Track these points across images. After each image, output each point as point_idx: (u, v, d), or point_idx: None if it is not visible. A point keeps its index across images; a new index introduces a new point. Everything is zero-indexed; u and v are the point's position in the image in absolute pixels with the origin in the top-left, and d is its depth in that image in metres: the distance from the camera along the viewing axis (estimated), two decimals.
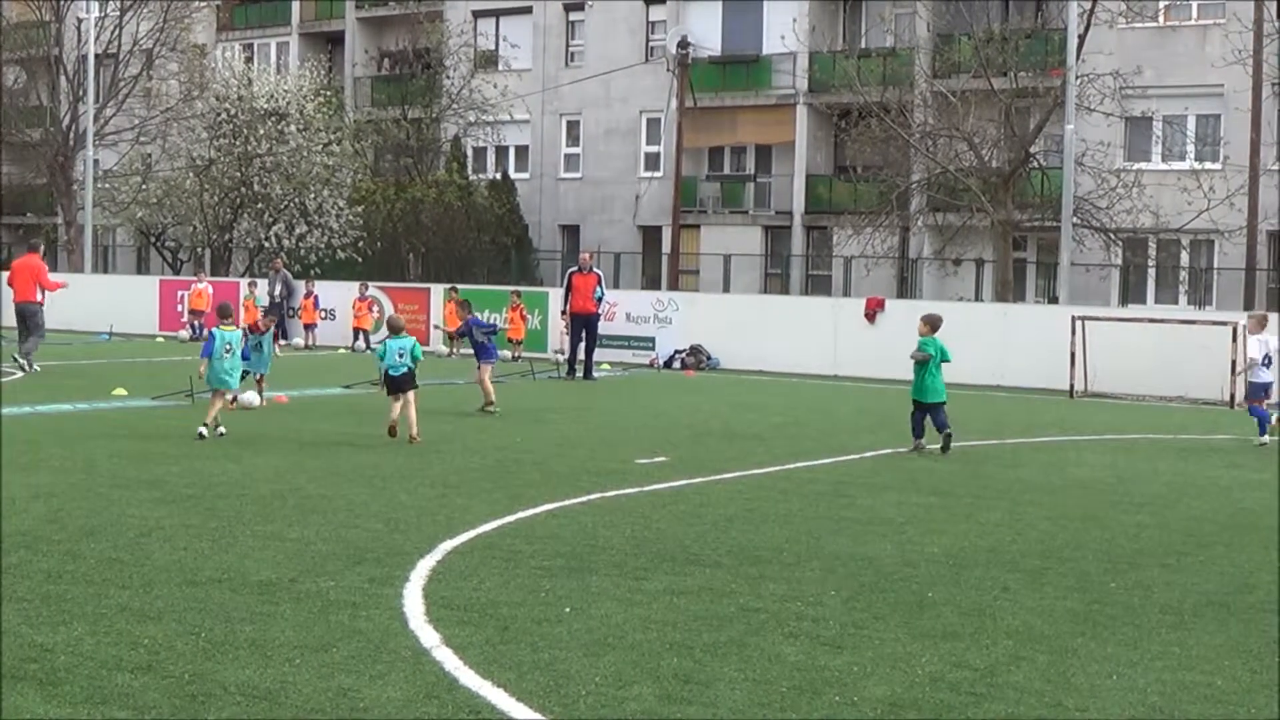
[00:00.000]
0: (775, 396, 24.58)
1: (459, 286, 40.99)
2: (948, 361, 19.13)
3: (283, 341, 41.77)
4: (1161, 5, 43.77)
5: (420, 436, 18.05)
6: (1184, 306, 42.01)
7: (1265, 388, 21.26)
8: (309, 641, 8.07)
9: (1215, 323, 30.21)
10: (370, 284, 42.17)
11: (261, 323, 24.37)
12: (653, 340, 37.13)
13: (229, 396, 18.96)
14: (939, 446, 18.42)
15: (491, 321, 26.94)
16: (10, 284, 29.25)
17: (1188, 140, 43.09)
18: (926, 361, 18.85)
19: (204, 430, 17.75)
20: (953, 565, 10.80)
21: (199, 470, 14.68)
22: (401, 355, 18.92)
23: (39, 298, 28.89)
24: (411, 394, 18.60)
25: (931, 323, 19.36)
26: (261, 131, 51.41)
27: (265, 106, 52.01)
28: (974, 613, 9.23)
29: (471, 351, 23.92)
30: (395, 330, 19.82)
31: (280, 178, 51.59)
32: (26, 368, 27.52)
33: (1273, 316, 24.68)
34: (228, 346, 18.67)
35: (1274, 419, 20.87)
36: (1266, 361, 21.24)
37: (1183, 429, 23.26)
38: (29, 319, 28.56)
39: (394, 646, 8.02)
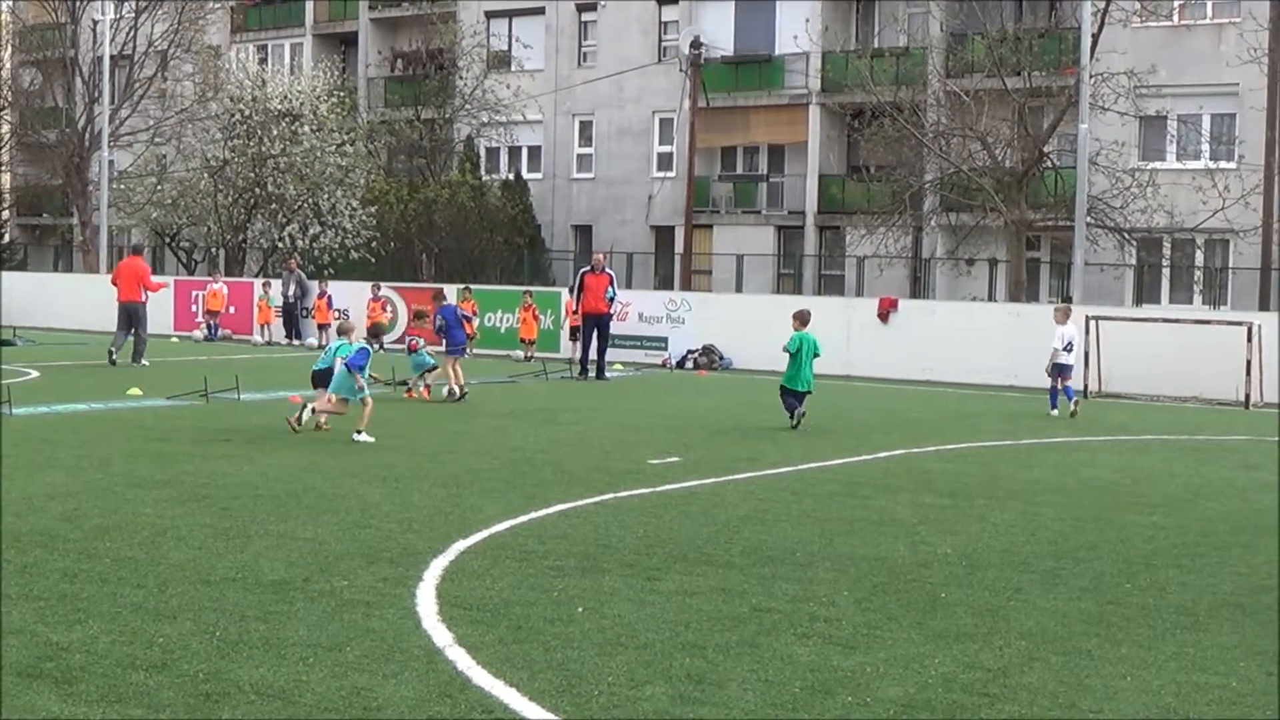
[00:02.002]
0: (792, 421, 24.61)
1: (472, 287, 41.02)
2: (818, 355, 21.64)
3: (296, 341, 41.96)
4: (1176, 4, 43.69)
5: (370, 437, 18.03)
6: (1199, 306, 41.94)
7: (1066, 369, 24.98)
8: (322, 640, 8.07)
9: (1230, 323, 30.18)
10: (383, 284, 42.20)
11: (409, 343, 25.65)
12: (665, 340, 37.16)
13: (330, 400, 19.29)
14: (792, 425, 20.88)
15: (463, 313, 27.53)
16: (115, 283, 32.01)
17: (1202, 139, 43.00)
18: (803, 353, 21.22)
19: (300, 419, 18.72)
20: (966, 566, 10.79)
21: (213, 470, 14.70)
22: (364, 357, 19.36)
23: (142, 297, 31.40)
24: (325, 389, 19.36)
25: (801, 318, 21.97)
26: (275, 132, 51.49)
27: (279, 107, 52.09)
28: (987, 613, 9.22)
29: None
30: (343, 333, 20.98)
31: (294, 178, 51.66)
32: (135, 361, 30.01)
33: (1077, 309, 28.69)
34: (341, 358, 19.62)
35: (1074, 403, 24.78)
36: (1068, 348, 24.97)
37: (1198, 430, 23.23)
38: (132, 317, 31.07)
39: (407, 646, 8.03)
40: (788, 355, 21.38)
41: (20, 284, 49.27)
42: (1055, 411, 24.68)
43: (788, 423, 21.01)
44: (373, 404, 18.96)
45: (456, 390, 24.50)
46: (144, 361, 30.20)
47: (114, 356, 30.46)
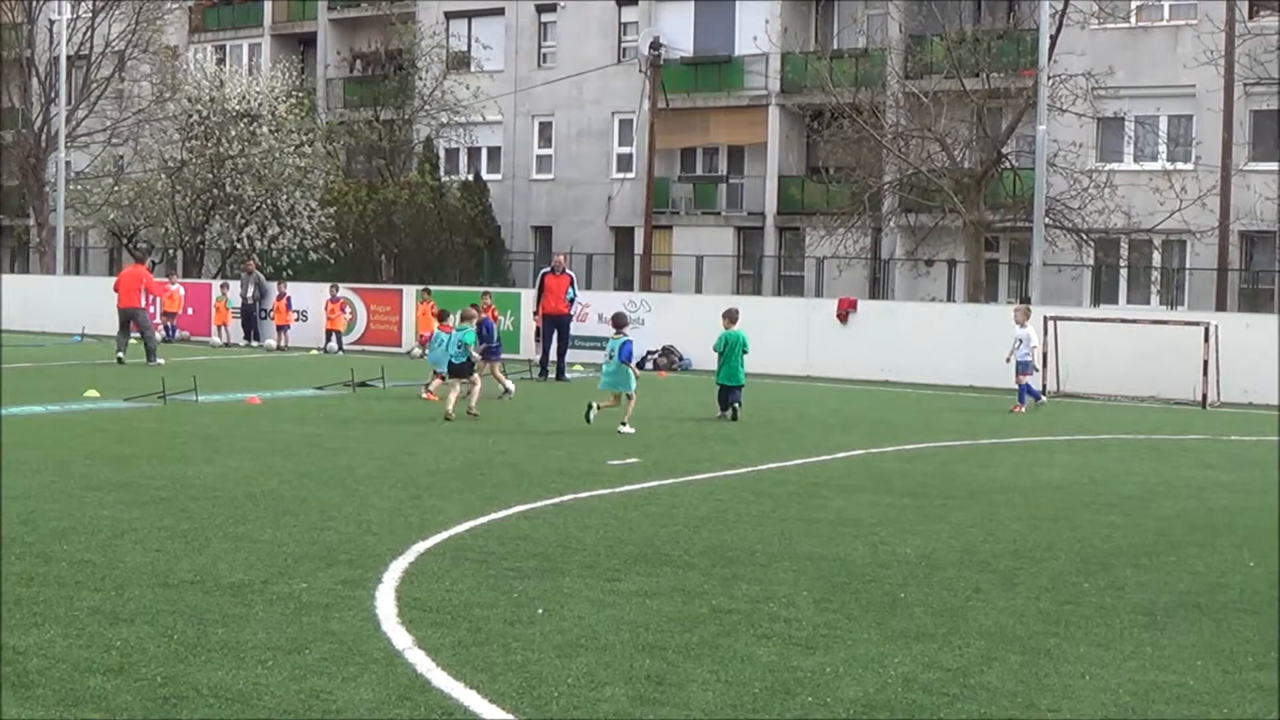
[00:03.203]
0: (747, 397, 24.68)
1: (432, 288, 40.97)
2: (746, 352, 22.75)
3: (255, 343, 41.83)
4: (1133, 6, 43.90)
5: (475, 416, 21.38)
6: (1156, 307, 42.13)
7: (1026, 366, 26.09)
8: (281, 643, 8.05)
9: (1187, 323, 30.33)
10: (341, 285, 42.10)
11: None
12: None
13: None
14: (728, 416, 22.21)
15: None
16: (115, 290, 33.23)
17: (1160, 140, 43.23)
18: (730, 351, 22.52)
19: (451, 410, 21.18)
20: (925, 566, 10.82)
21: (171, 472, 14.63)
22: (460, 349, 22.54)
23: (142, 303, 32.91)
24: (465, 379, 22.26)
25: (729, 317, 23.20)
26: (234, 133, 51.30)
27: (237, 108, 51.88)
28: (946, 613, 9.24)
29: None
30: (465, 319, 23.34)
31: (252, 179, 51.47)
32: (151, 361, 30.91)
33: (1036, 310, 29.65)
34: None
35: (1027, 406, 25.76)
36: (1021, 345, 26.09)
37: (1155, 429, 23.34)
38: (134, 322, 32.45)
39: (366, 648, 8.01)
40: (717, 354, 22.90)
41: None
42: (1043, 399, 26.74)
43: (736, 420, 22.08)
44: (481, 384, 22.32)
45: (510, 387, 25.47)
46: (160, 360, 31.10)
47: (121, 358, 31.42)
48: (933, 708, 7.24)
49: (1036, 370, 27.04)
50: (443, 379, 23.43)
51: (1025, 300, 34.87)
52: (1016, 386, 26.11)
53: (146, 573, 9.78)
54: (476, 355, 22.87)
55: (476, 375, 22.72)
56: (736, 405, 22.25)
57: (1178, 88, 42.48)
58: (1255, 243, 42.45)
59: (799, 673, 7.76)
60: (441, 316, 24.90)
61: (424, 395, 24.41)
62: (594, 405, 20.51)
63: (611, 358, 21.21)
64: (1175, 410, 27.67)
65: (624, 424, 20.00)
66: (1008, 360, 26.37)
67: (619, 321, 22.36)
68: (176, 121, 53.60)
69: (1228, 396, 28.72)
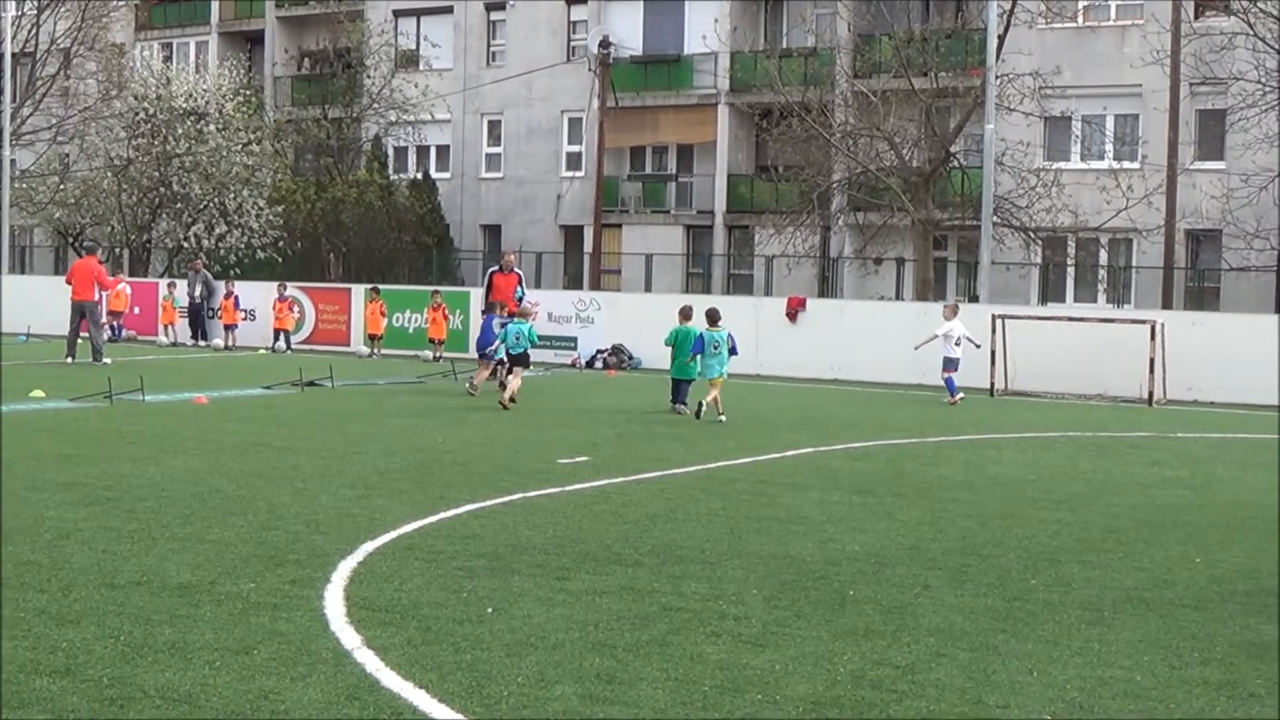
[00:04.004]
0: (697, 396, 24.78)
1: (380, 287, 40.87)
2: (700, 350, 23.29)
3: (202, 342, 41.64)
4: (1080, 6, 44.13)
5: (515, 403, 23.45)
6: (1103, 305, 42.40)
7: (954, 362, 27.50)
8: (229, 644, 8.01)
9: (1134, 321, 30.53)
10: (289, 284, 41.94)
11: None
12: (575, 340, 37.17)
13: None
14: (680, 410, 23.22)
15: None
16: (69, 282, 32.87)
17: (1106, 140, 43.47)
18: (679, 346, 23.65)
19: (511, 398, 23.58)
20: (874, 563, 10.85)
21: (118, 472, 14.54)
22: (519, 338, 24.46)
23: (95, 296, 32.63)
24: (520, 369, 24.45)
25: (683, 313, 24.59)
26: (180, 131, 51.02)
27: (184, 106, 51.61)
28: (895, 610, 9.27)
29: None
30: (523, 315, 25.32)
31: (199, 177, 51.20)
32: (96, 360, 30.76)
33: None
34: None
35: (959, 396, 27.15)
36: (956, 341, 27.48)
37: (1102, 426, 23.47)
38: (87, 314, 32.08)
39: (315, 648, 7.98)
40: (670, 349, 24.04)
41: None
42: (958, 399, 27.26)
43: (699, 417, 22.51)
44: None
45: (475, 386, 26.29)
46: (106, 359, 30.90)
47: (70, 358, 31.34)
48: (882, 705, 7.25)
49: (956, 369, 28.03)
50: (498, 366, 25.62)
51: (973, 298, 35.05)
52: (943, 381, 27.66)
53: (93, 573, 9.71)
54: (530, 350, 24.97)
55: (519, 369, 24.64)
56: (700, 403, 22.78)
57: (1124, 87, 42.73)
58: (1201, 241, 42.73)
59: (748, 670, 7.77)
60: (491, 308, 26.70)
61: (470, 389, 26.01)
62: (702, 403, 22.49)
63: (717, 349, 23.11)
64: (1122, 408, 27.84)
65: (707, 404, 22.43)
66: (916, 349, 28.34)
67: (714, 316, 23.76)
68: (123, 119, 53.26)
69: (1174, 394, 28.92)
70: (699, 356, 23.33)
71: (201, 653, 7.81)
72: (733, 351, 23.53)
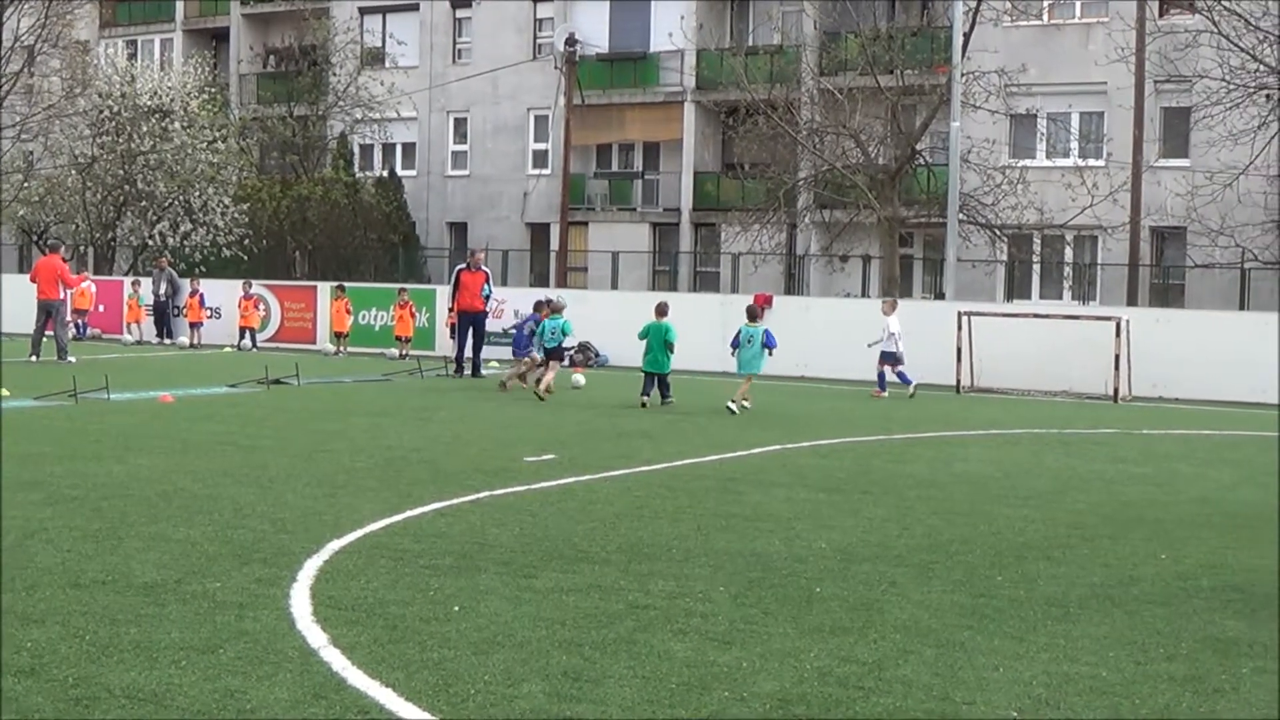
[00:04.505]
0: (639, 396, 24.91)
1: (346, 285, 40.80)
2: (669, 341, 24.62)
3: (168, 340, 41.50)
4: (1045, 3, 44.27)
5: (549, 395, 24.82)
6: (1068, 302, 42.58)
7: (894, 356, 28.28)
8: (195, 643, 7.98)
9: (1099, 318, 30.63)
10: (254, 282, 41.83)
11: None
12: None
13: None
14: (645, 404, 24.16)
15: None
16: (33, 280, 32.75)
17: (1071, 137, 43.64)
18: (651, 341, 24.65)
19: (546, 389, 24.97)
20: (841, 560, 10.86)
21: (83, 471, 14.47)
22: (555, 333, 25.82)
23: (60, 294, 32.37)
24: (554, 362, 25.82)
25: (658, 309, 25.50)
26: (145, 129, 50.80)
27: (149, 103, 51.40)
28: (862, 607, 9.28)
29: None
30: (556, 310, 26.41)
31: (164, 175, 50.99)
32: (61, 358, 30.80)
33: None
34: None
35: (884, 392, 27.95)
36: (889, 338, 28.21)
37: (1067, 423, 23.54)
38: (52, 313, 31.86)
39: (281, 647, 7.95)
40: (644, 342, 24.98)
41: None
42: (885, 394, 28.05)
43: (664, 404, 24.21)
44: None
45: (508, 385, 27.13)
46: (71, 358, 30.85)
47: (35, 356, 31.13)
48: (848, 701, 7.26)
49: (902, 361, 28.74)
50: (536, 362, 26.61)
51: (939, 296, 35.14)
52: (878, 374, 28.51)
53: (58, 573, 9.66)
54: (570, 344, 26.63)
55: (554, 362, 26.00)
56: (660, 392, 24.38)
57: (1089, 85, 42.89)
58: (1166, 238, 42.93)
59: (715, 668, 7.77)
60: (538, 307, 27.25)
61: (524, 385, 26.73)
62: (732, 402, 23.54)
63: (751, 343, 24.51)
64: (1087, 404, 27.94)
65: (736, 401, 23.49)
66: (870, 346, 28.88)
67: (754, 313, 25.76)
68: (87, 117, 53.01)
69: (1138, 390, 29.03)
70: (736, 351, 24.91)
71: (167, 652, 7.78)
72: (768, 346, 24.63)
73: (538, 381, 25.75)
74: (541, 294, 38.06)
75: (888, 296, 30.55)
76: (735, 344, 25.03)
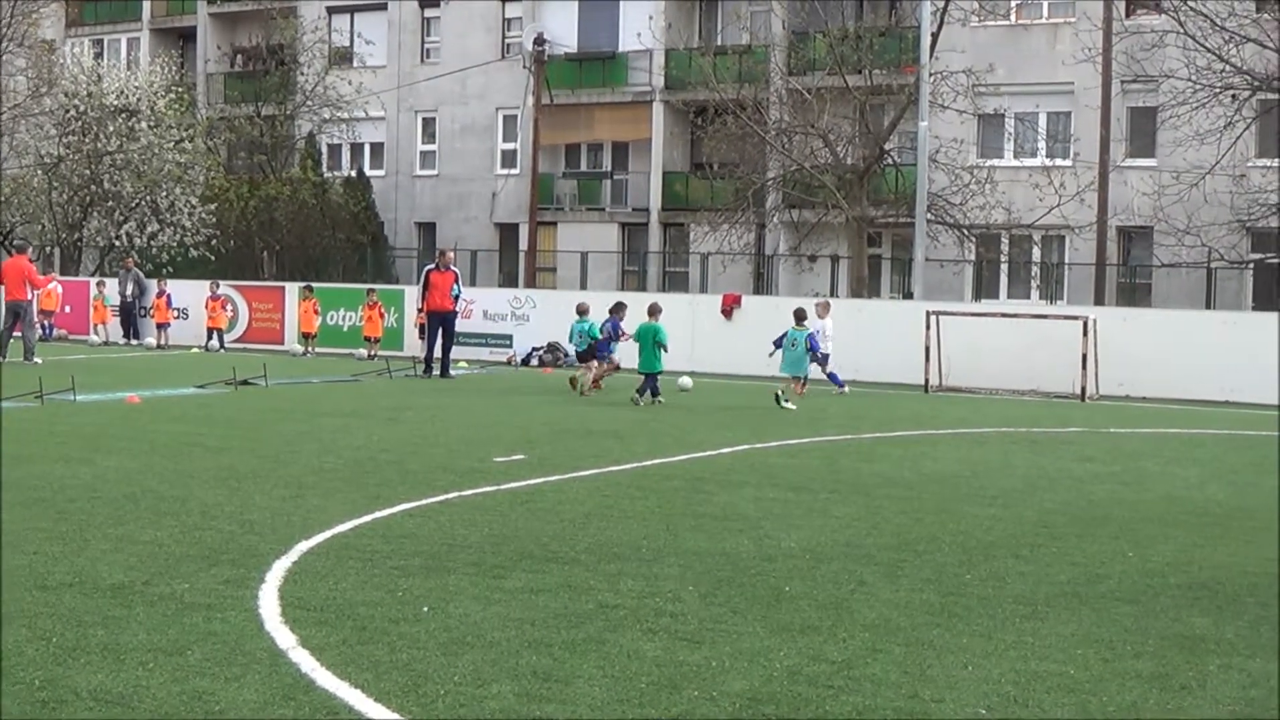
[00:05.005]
0: (578, 394, 24.89)
1: (314, 285, 40.72)
2: (659, 342, 25.42)
3: (134, 341, 41.35)
4: (1013, 4, 44.40)
5: (592, 391, 26.36)
6: (1036, 301, 42.70)
7: (825, 357, 28.43)
8: (163, 645, 7.95)
9: (1067, 317, 30.71)
10: (222, 283, 41.73)
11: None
12: (510, 338, 37.15)
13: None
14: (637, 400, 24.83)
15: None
16: (2, 281, 32.86)
17: (1039, 137, 43.76)
18: (643, 341, 25.54)
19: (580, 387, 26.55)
20: (810, 559, 10.87)
21: (49, 473, 14.40)
22: (582, 335, 27.16)
23: (28, 295, 32.30)
24: (593, 361, 27.06)
25: (649, 310, 26.29)
26: (112, 129, 50.59)
27: (115, 103, 51.19)
28: (831, 606, 9.29)
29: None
30: (581, 313, 27.58)
31: (131, 175, 50.78)
32: (27, 359, 30.65)
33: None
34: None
35: (840, 387, 28.37)
36: (826, 339, 28.66)
37: (1035, 422, 23.60)
38: (20, 314, 31.82)
39: (250, 648, 7.93)
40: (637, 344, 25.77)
41: None
42: (845, 389, 28.37)
43: (651, 401, 24.92)
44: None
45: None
46: (37, 359, 30.64)
47: (1, 357, 30.92)
48: (818, 700, 7.27)
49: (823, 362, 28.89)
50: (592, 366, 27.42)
51: (908, 295, 35.21)
52: (824, 375, 28.61)
53: (24, 575, 9.61)
54: (607, 337, 27.25)
55: (594, 361, 27.18)
56: (650, 391, 25.04)
57: (1056, 85, 43.04)
58: (1132, 238, 43.09)
59: (685, 667, 7.77)
60: (618, 309, 27.94)
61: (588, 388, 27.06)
62: (780, 394, 24.65)
63: (795, 345, 25.68)
64: (1055, 403, 28.01)
65: (789, 402, 24.47)
66: (827, 354, 28.79)
67: (800, 316, 26.43)
68: (53, 117, 52.77)
69: (1105, 389, 29.11)
70: (777, 350, 26.07)
71: (135, 654, 7.75)
72: (812, 350, 26.12)
73: (595, 380, 26.99)
74: (511, 295, 38.19)
75: (819, 299, 30.98)
76: (778, 344, 26.10)
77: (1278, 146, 38.36)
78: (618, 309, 27.93)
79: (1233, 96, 35.31)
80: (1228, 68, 34.62)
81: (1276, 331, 28.69)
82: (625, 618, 8.83)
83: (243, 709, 6.88)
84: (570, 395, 26.26)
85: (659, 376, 25.49)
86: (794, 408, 24.27)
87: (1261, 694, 7.61)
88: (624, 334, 27.43)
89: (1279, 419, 24.18)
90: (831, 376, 28.57)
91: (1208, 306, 39.22)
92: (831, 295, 43.79)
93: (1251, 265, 40.73)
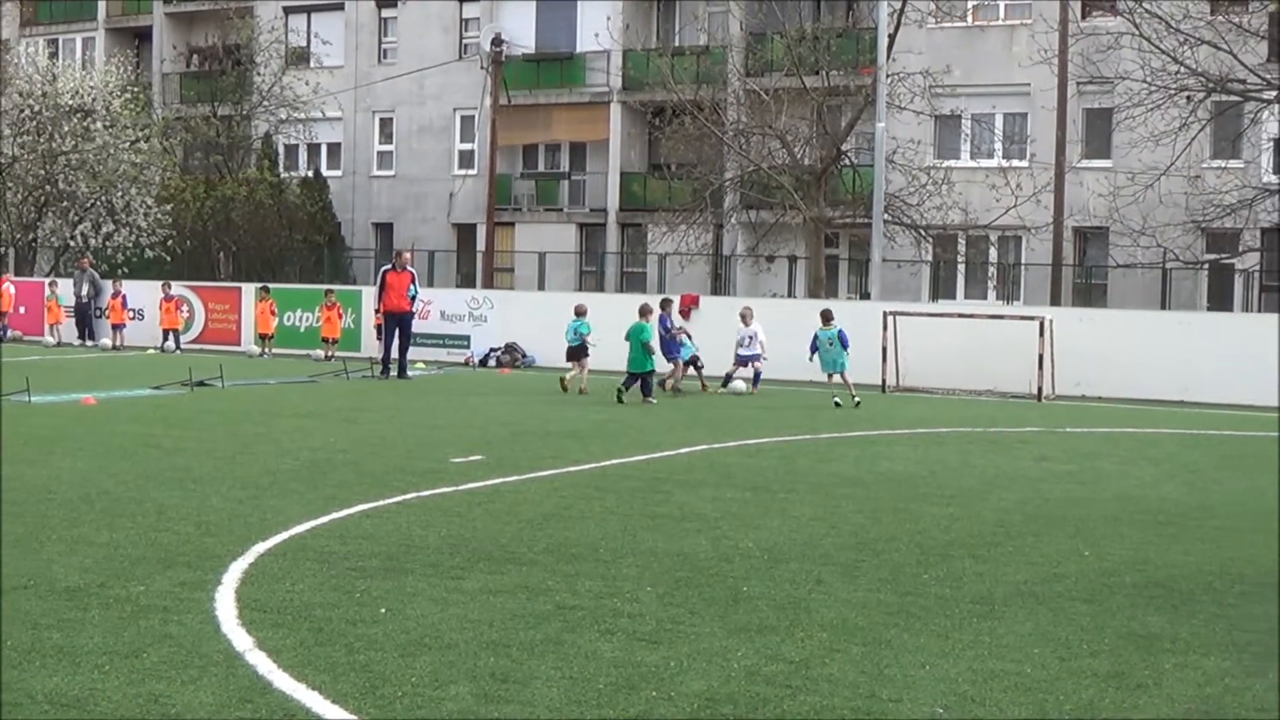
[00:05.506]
0: (590, 394, 24.79)
1: (271, 286, 40.58)
2: (644, 341, 26.15)
3: (90, 342, 41.13)
4: (970, 5, 44.52)
5: (586, 391, 26.93)
6: (992, 302, 42.79)
7: (747, 359, 29.07)
8: (119, 647, 7.92)
9: (1023, 317, 30.81)
10: (176, 283, 41.57)
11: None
12: (468, 338, 37.08)
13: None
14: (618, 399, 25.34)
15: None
16: None
17: (996, 138, 43.88)
18: (632, 340, 26.22)
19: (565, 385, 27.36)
20: (768, 559, 10.89)
21: (3, 475, 14.30)
22: (576, 333, 28.06)
23: None
24: (584, 359, 27.92)
25: (642, 310, 27.03)
26: (66, 128, 50.29)
27: (70, 103, 50.88)
28: (789, 606, 9.31)
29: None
30: (579, 314, 28.59)
31: (86, 175, 50.49)
32: None
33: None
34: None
35: (726, 384, 29.07)
36: (745, 342, 29.05)
37: (992, 422, 23.68)
38: None
39: (206, 651, 7.90)
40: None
41: None
42: (747, 388, 29.05)
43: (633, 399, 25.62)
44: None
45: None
46: None
47: None
48: (775, 700, 7.28)
49: (747, 365, 29.50)
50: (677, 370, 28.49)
51: (865, 296, 35.28)
52: (734, 374, 29.30)
53: None
54: (592, 343, 28.17)
55: (585, 360, 28.05)
56: (642, 389, 25.91)
57: (1013, 86, 43.17)
58: (1088, 238, 43.26)
59: (643, 668, 7.77)
60: (665, 305, 28.99)
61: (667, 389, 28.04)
62: (836, 398, 25.93)
63: (832, 345, 26.35)
64: (1012, 403, 28.11)
65: (855, 397, 25.78)
66: (738, 354, 29.29)
67: (827, 316, 26.94)
68: (7, 116, 52.40)
69: (1061, 389, 29.24)
70: (815, 354, 26.67)
71: (90, 656, 7.72)
72: (843, 344, 26.63)
73: (670, 385, 28.05)
74: (468, 295, 38.12)
75: (747, 307, 31.14)
76: (814, 348, 26.74)
77: (1232, 148, 38.53)
78: (664, 305, 28.91)
79: (1187, 98, 35.48)
80: (1182, 70, 34.78)
81: (1276, 333, 28.78)
82: (583, 618, 8.83)
83: (199, 711, 6.86)
84: (558, 395, 26.21)
85: (651, 375, 26.28)
86: (857, 398, 25.83)
87: (1216, 691, 7.65)
88: (677, 330, 28.60)
89: (1279, 419, 24.33)
90: (742, 377, 29.20)
91: (1163, 307, 39.39)
92: (789, 296, 44.01)
93: (1206, 266, 40.95)
